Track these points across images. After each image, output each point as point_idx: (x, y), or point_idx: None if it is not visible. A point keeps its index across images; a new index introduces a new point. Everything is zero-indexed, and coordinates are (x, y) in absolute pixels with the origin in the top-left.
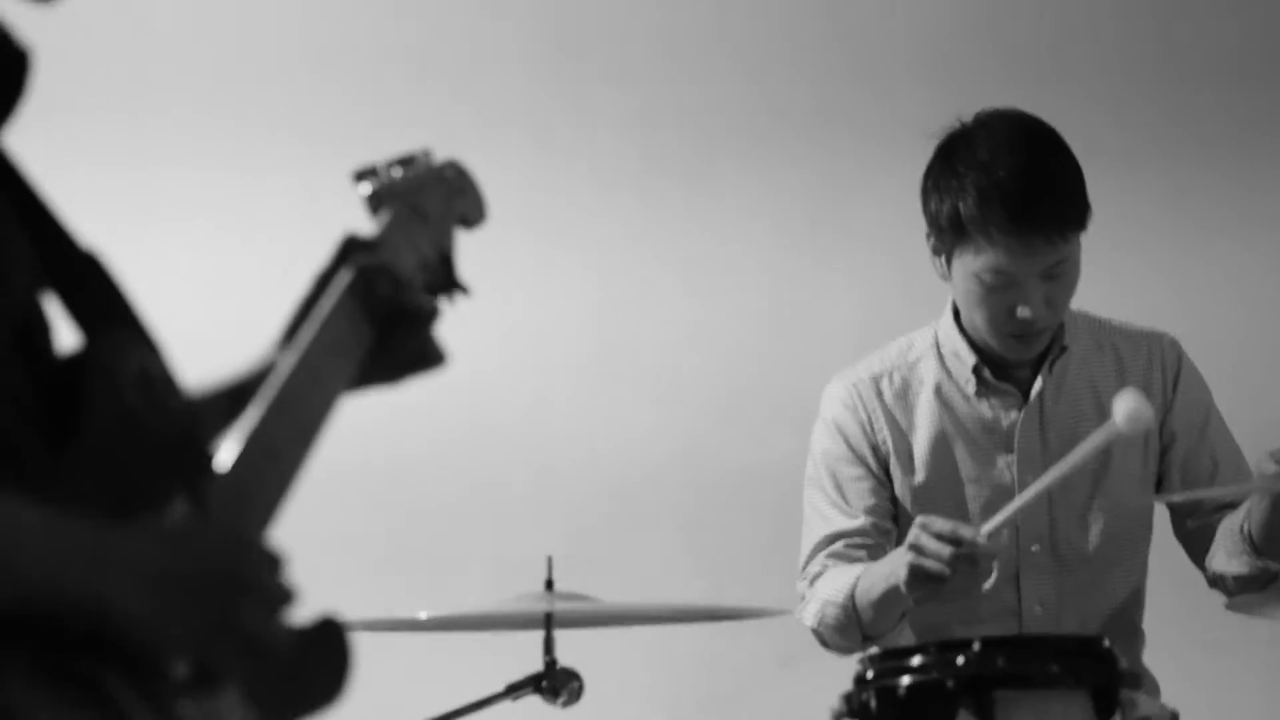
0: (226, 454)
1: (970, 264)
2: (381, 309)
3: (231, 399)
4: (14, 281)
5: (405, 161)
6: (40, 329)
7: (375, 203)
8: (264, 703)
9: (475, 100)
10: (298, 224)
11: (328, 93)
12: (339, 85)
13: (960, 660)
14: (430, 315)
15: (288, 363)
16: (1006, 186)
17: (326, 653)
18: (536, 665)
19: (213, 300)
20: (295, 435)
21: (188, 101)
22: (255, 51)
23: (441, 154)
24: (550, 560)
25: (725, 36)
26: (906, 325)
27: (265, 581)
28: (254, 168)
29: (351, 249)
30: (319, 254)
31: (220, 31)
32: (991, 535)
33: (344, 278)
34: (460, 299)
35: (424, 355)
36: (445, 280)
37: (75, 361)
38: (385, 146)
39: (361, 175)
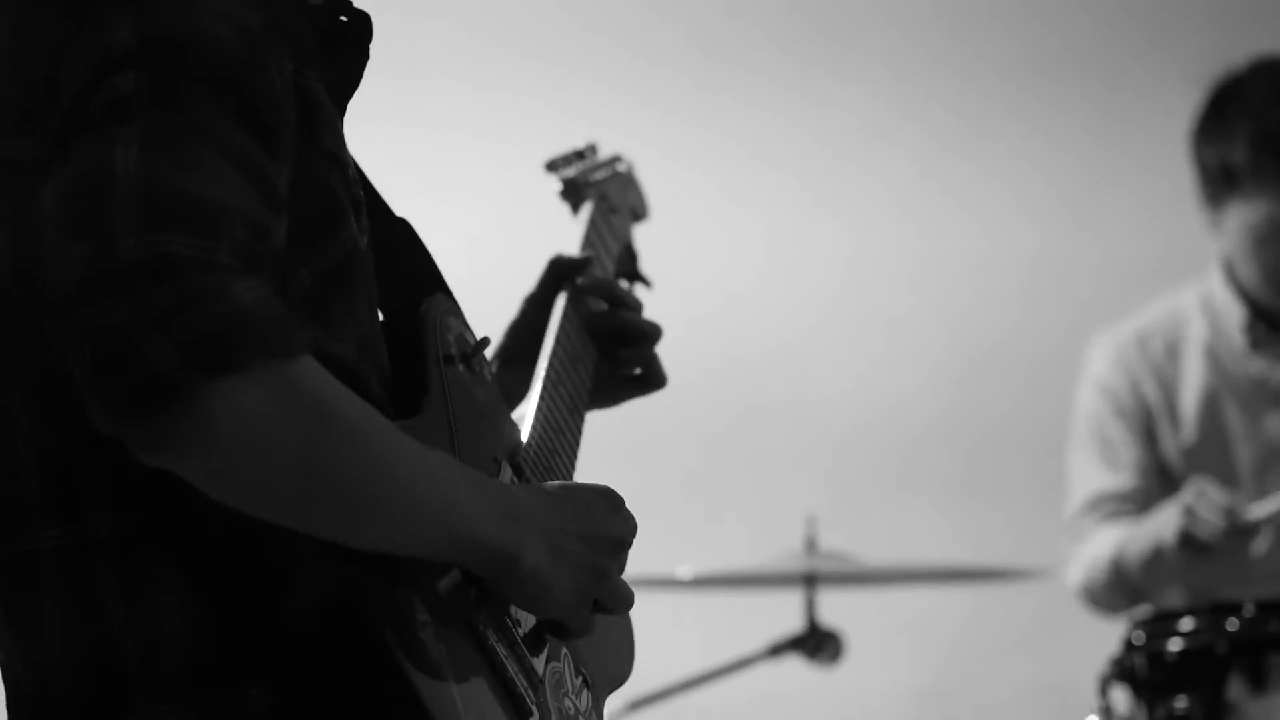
0: (528, 427)
1: (1243, 215)
2: (600, 326)
3: None
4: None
5: (580, 154)
6: (376, 295)
7: (572, 193)
8: (588, 670)
9: (734, 50)
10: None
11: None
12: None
13: (1233, 624)
14: (652, 335)
15: (546, 349)
16: None
17: (620, 625)
18: (794, 623)
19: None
20: (569, 410)
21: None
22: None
23: (708, 108)
24: (812, 519)
25: None
26: (1172, 281)
27: (630, 543)
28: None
29: (560, 270)
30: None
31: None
32: (1267, 518)
33: (561, 299)
34: (642, 291)
35: (644, 376)
36: (629, 271)
37: (396, 324)
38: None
39: (553, 166)
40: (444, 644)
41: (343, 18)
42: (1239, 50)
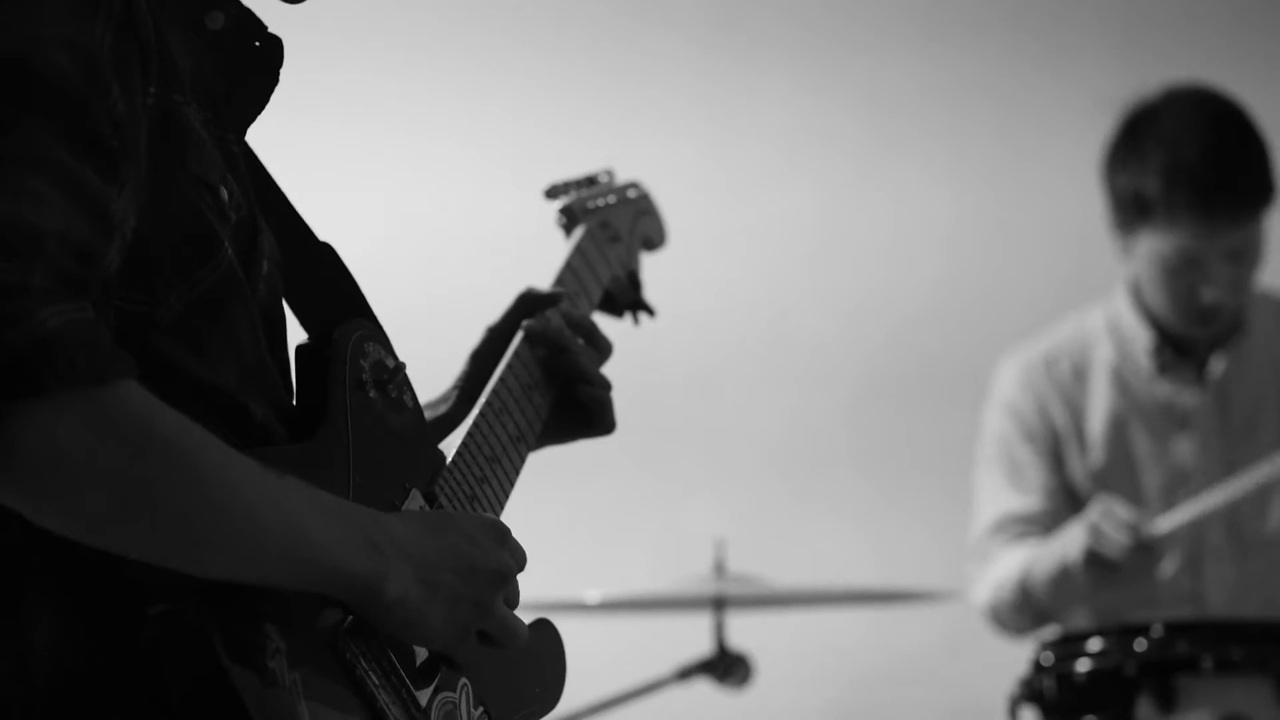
0: (454, 454)
1: (1153, 244)
2: (551, 366)
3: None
4: (262, 279)
5: (590, 180)
6: (280, 321)
7: (569, 218)
8: (492, 702)
9: (651, 76)
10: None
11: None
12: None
13: (1141, 645)
14: (598, 384)
15: (495, 377)
16: (1194, 167)
17: (547, 653)
18: (705, 647)
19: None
20: (511, 439)
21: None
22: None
23: (617, 133)
24: (720, 542)
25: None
26: (1079, 303)
27: (515, 576)
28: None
29: (527, 304)
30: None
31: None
32: (1170, 533)
33: (518, 337)
34: (646, 320)
35: (592, 419)
36: (633, 300)
37: (309, 350)
38: (555, 121)
39: (553, 192)
40: (299, 673)
41: (256, 43)
42: (1146, 73)
